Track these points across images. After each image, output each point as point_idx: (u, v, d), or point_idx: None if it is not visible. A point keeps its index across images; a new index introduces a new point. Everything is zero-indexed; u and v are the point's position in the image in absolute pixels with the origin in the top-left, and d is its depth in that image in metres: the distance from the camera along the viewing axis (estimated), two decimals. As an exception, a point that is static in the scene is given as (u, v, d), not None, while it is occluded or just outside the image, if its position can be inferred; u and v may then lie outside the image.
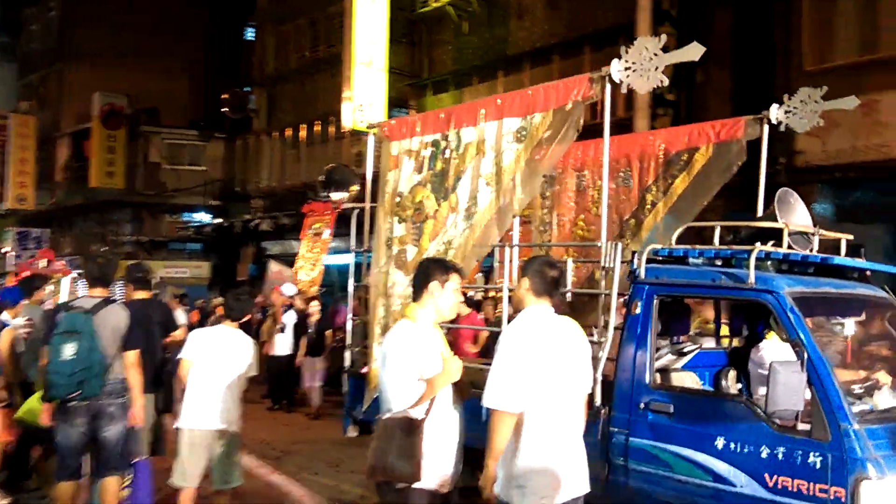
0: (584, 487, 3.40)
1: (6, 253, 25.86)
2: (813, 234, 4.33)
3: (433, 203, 5.20)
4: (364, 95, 14.75)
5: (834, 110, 5.56)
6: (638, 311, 4.18)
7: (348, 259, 19.39)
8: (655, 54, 4.42)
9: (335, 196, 14.58)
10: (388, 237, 5.47)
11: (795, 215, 4.41)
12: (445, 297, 3.49)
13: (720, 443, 3.63)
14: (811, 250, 4.26)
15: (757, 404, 3.65)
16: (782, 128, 5.46)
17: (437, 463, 3.31)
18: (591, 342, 3.84)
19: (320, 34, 18.59)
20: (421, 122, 5.53)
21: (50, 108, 28.84)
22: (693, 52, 4.54)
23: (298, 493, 6.80)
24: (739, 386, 4.81)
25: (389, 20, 15.24)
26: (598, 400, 4.13)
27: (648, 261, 4.27)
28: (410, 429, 3.23)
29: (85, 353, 4.63)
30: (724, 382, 4.81)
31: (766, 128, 5.40)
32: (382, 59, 15.06)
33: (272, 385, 11.90)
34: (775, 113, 5.36)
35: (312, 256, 15.18)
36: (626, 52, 4.46)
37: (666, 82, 4.51)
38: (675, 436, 3.81)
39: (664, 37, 4.55)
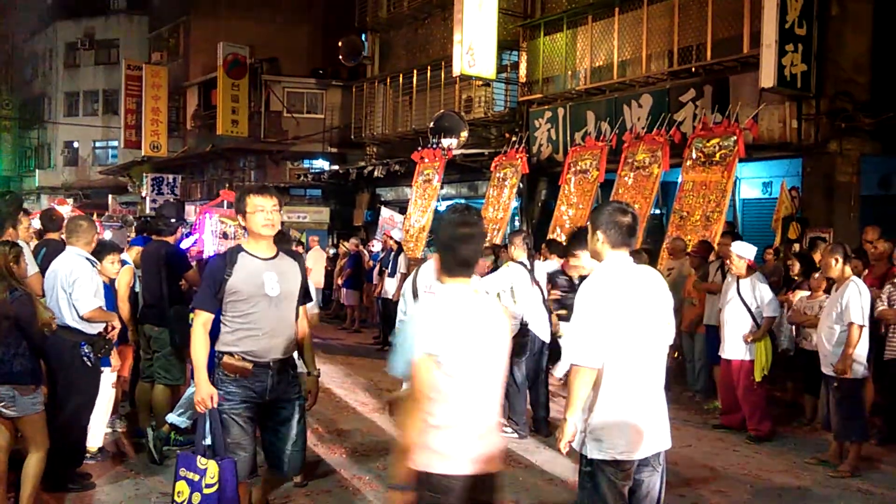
0: (664, 443, 3.27)
1: (144, 197, 27.56)
2: None
3: None
4: (474, 38, 14.48)
5: None
6: None
7: (459, 205, 19.41)
8: None
9: (445, 143, 14.56)
10: None
11: None
12: None
13: None
14: None
15: None
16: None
17: None
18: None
19: (432, -24, 18.34)
20: None
21: (179, 58, 30.14)
22: None
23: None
24: None
25: (501, -41, 14.82)
26: None
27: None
28: None
29: None
30: None
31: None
32: (494, -1, 14.70)
33: (383, 326, 12.27)
34: None
35: (423, 203, 15.32)
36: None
37: None
38: None
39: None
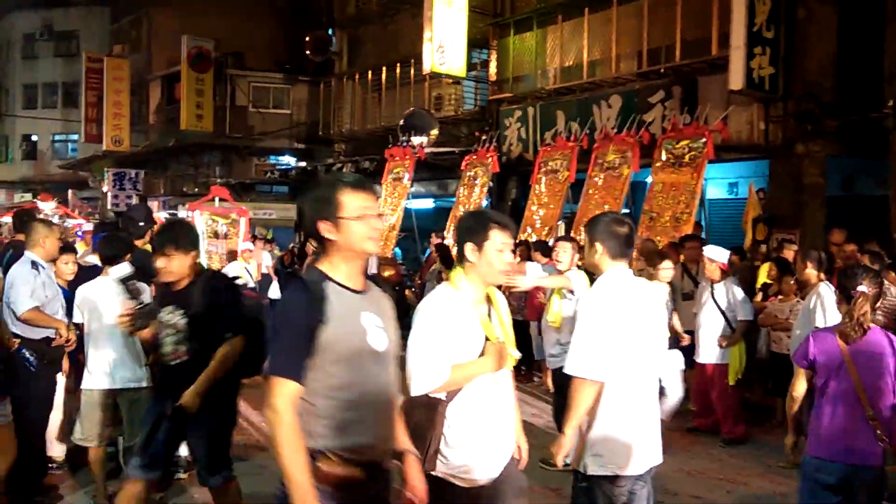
0: (657, 458, 3.27)
1: (106, 192, 26.99)
2: None
3: None
4: (444, 36, 14.42)
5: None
6: None
7: (428, 204, 19.52)
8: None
9: (415, 141, 14.48)
10: None
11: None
12: (485, 261, 2.84)
13: None
14: None
15: None
16: None
17: (464, 456, 2.82)
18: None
19: (402, -27, 18.22)
20: None
21: (142, 51, 29.57)
22: None
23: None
24: None
25: (471, -43, 14.77)
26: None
27: None
28: (429, 409, 2.77)
29: None
30: None
31: None
32: (464, -3, 14.66)
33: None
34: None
35: (393, 201, 15.22)
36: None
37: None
38: None
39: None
